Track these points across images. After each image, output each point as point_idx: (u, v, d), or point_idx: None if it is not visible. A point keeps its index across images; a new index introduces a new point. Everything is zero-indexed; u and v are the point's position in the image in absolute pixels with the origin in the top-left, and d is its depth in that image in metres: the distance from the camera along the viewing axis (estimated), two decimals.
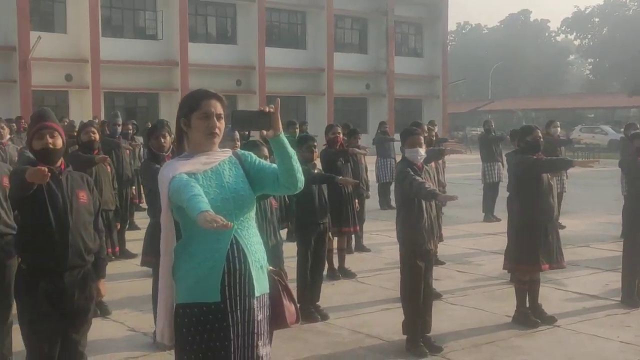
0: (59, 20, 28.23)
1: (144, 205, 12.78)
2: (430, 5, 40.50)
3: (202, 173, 3.20)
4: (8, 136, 9.30)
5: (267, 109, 3.13)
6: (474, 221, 13.52)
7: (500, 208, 11.56)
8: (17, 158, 8.44)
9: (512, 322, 6.79)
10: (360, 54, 38.11)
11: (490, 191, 13.86)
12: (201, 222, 2.82)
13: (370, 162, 13.37)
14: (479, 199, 14.30)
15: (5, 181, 5.30)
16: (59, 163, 4.23)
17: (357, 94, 37.89)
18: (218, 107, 3.26)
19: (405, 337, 6.06)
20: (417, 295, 6.00)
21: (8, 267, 5.23)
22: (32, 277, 4.11)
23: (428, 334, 6.10)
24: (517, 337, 6.39)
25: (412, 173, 5.82)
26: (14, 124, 14.26)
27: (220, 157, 3.29)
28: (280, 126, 3.17)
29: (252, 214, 3.32)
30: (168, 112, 29.22)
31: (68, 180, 4.23)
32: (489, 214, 13.67)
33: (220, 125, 3.27)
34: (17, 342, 5.41)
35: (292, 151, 3.21)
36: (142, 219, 11.66)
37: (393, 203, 13.71)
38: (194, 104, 3.25)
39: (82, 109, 27.40)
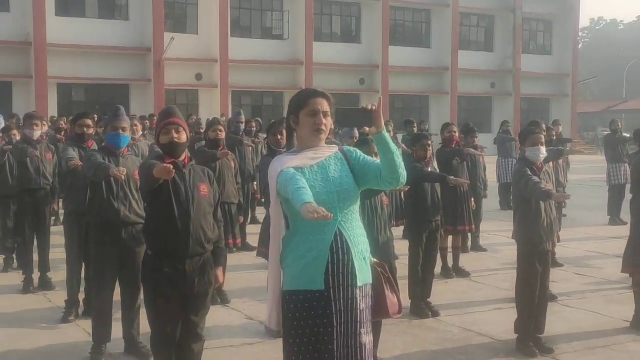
0: (191, 22, 29.49)
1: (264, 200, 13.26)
2: (561, 1, 39.21)
3: (309, 167, 3.38)
4: (141, 132, 9.91)
5: (369, 107, 3.28)
6: (598, 224, 13.09)
7: (627, 211, 11.15)
8: (148, 153, 8.99)
9: (630, 327, 6.61)
10: (485, 52, 37.46)
11: (615, 193, 13.39)
12: (304, 213, 3.00)
13: (491, 162, 13.23)
14: (604, 201, 13.83)
15: (137, 174, 5.73)
16: (183, 157, 4.56)
17: (481, 93, 37.28)
18: (325, 105, 3.43)
19: (516, 336, 6.04)
20: (532, 295, 5.96)
21: (138, 253, 5.65)
22: (157, 262, 4.45)
23: (540, 335, 6.05)
24: (634, 343, 6.21)
25: (529, 173, 5.81)
26: (147, 121, 15.07)
27: (327, 152, 3.47)
28: (383, 124, 3.31)
29: (356, 207, 3.47)
30: None
31: (191, 173, 4.55)
32: (614, 217, 13.20)
33: (327, 122, 3.44)
34: (145, 324, 5.85)
35: (394, 147, 3.34)
36: (262, 214, 12.09)
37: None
38: (301, 102, 3.45)
39: (211, 107, 28.50)
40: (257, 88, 30.71)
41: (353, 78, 33.09)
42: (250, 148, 11.04)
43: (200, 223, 4.45)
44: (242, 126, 11.38)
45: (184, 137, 4.54)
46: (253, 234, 10.47)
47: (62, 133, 12.55)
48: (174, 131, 4.50)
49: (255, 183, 11.13)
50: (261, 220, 11.49)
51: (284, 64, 31.09)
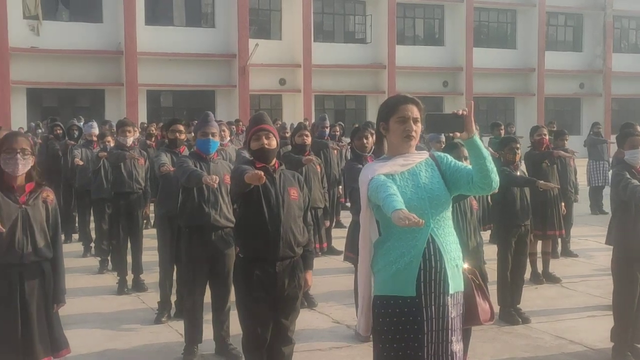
0: (274, 28, 29.87)
1: (349, 204, 13.29)
2: None
3: (400, 174, 3.38)
4: (228, 138, 10.10)
5: (460, 112, 3.26)
6: None
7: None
8: (235, 158, 9.16)
9: None
10: (573, 52, 36.42)
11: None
12: (395, 220, 3.00)
13: (581, 165, 12.86)
14: None
15: (227, 179, 5.86)
16: (273, 162, 4.64)
17: (569, 94, 36.27)
18: (414, 111, 3.43)
19: (612, 345, 5.86)
20: (630, 303, 5.75)
21: (228, 256, 5.78)
22: (248, 265, 4.54)
23: (638, 345, 5.85)
24: None
25: (628, 176, 5.62)
26: (234, 126, 15.35)
27: (417, 158, 3.46)
28: (474, 128, 3.28)
29: (448, 213, 3.44)
30: (375, 114, 29.62)
31: (281, 177, 4.62)
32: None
33: (417, 129, 3.43)
34: (235, 326, 5.96)
35: (486, 152, 3.30)
36: (347, 218, 12.12)
37: (605, 208, 13.18)
38: (391, 109, 3.46)
39: (294, 112, 28.78)
40: (339, 92, 30.81)
41: (436, 81, 32.78)
42: (335, 152, 11.10)
43: (290, 226, 4.51)
44: (327, 131, 11.46)
45: (274, 142, 4.62)
46: (337, 238, 10.53)
47: (153, 139, 12.93)
48: (264, 137, 4.58)
49: (340, 187, 11.18)
50: (345, 225, 11.56)
51: (367, 68, 31.08)
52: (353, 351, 6.05)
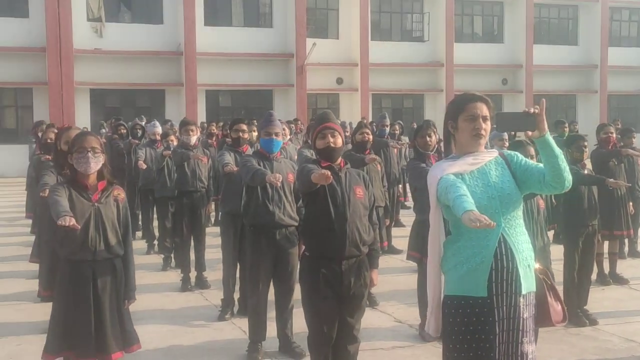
0: (332, 27, 29.90)
1: (408, 203, 13.21)
2: None
3: (469, 173, 3.34)
4: (288, 137, 10.15)
5: (531, 110, 3.20)
6: None
7: None
8: (296, 157, 9.21)
9: None
10: (638, 48, 35.45)
11: None
12: (465, 221, 2.97)
13: None
14: None
15: (291, 177, 5.90)
16: (338, 160, 4.65)
17: (634, 91, 35.32)
18: (484, 109, 3.39)
19: None
20: None
21: (292, 254, 5.82)
22: (314, 263, 4.55)
23: None
24: None
25: None
26: (293, 125, 15.42)
27: (487, 157, 3.41)
28: (546, 126, 3.22)
29: (519, 213, 3.39)
30: (432, 112, 29.60)
31: (347, 176, 4.62)
32: None
33: (486, 127, 3.39)
34: (298, 324, 5.99)
35: (558, 151, 3.24)
36: (405, 217, 12.06)
37: None
38: (460, 107, 3.42)
39: (351, 111, 28.76)
40: (397, 91, 30.67)
41: (495, 78, 32.33)
42: (395, 151, 11.05)
43: (356, 225, 4.51)
44: (387, 129, 11.41)
45: (339, 141, 4.62)
46: (396, 237, 10.48)
47: (214, 138, 13.08)
48: (329, 135, 4.59)
49: (399, 186, 11.12)
50: (404, 223, 11.50)
51: (424, 66, 30.86)
52: (417, 351, 6.01)
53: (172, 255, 9.41)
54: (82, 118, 24.54)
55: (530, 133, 3.23)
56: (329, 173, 4.22)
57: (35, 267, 8.63)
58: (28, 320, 7.06)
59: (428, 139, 6.44)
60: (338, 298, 4.53)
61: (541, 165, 3.34)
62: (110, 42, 25.55)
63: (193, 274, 8.45)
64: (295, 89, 28.02)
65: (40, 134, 11.66)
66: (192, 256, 8.48)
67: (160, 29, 26.61)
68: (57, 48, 24.57)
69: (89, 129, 20.70)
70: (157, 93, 27.24)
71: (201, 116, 25.52)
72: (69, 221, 3.93)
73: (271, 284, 5.96)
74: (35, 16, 24.72)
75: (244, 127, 7.21)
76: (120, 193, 4.48)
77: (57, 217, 3.99)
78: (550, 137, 3.24)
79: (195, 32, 26.21)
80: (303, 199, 4.72)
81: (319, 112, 27.79)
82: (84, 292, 4.28)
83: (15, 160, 22.68)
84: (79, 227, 4.10)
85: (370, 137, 7.87)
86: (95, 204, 4.33)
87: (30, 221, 12.00)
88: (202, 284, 8.35)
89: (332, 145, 4.58)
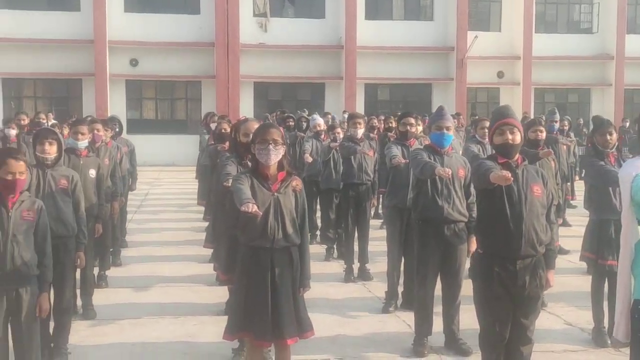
0: (494, 20, 29.16)
1: (574, 202, 12.68)
2: None
3: None
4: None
5: None
6: None
7: None
8: (460, 152, 9.08)
9: None
10: None
11: None
12: None
13: None
14: None
15: (461, 172, 5.84)
16: (516, 157, 4.54)
17: None
18: None
19: None
20: None
21: (460, 250, 5.78)
22: (488, 262, 4.48)
23: None
24: None
25: None
26: (455, 120, 15.20)
27: None
28: None
29: None
30: (600, 107, 28.19)
31: (524, 173, 4.51)
32: None
33: None
34: (463, 321, 5.94)
35: None
36: (571, 216, 11.59)
37: None
38: None
39: (512, 105, 27.64)
40: (561, 85, 29.44)
41: None
42: (564, 148, 10.64)
43: (532, 224, 4.40)
44: (556, 125, 11.00)
45: (518, 138, 4.52)
46: (562, 236, 10.08)
47: (375, 131, 13.17)
48: (508, 132, 4.50)
49: (567, 184, 10.69)
50: (571, 223, 11.06)
51: (592, 59, 29.39)
52: (590, 356, 5.78)
53: (335, 246, 9.58)
54: (246, 110, 25.44)
55: None
56: (510, 175, 4.13)
57: (207, 251, 9.12)
58: (203, 302, 7.45)
59: (609, 137, 6.14)
60: (512, 298, 4.44)
61: None
62: (274, 37, 26.32)
63: (356, 266, 8.56)
64: (454, 82, 27.61)
65: (211, 125, 12.25)
66: (356, 248, 8.59)
67: (322, 23, 27.09)
68: (225, 43, 25.65)
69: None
70: (317, 86, 27.77)
71: (359, 110, 25.72)
72: (252, 208, 4.10)
73: (438, 279, 5.94)
74: (206, 13, 25.92)
75: (412, 120, 7.21)
76: (298, 184, 4.63)
77: (241, 204, 4.17)
78: None
79: (356, 26, 26.45)
80: (477, 195, 4.66)
81: (478, 106, 27.05)
82: (262, 278, 4.46)
83: (185, 149, 23.92)
84: (261, 213, 4.27)
85: (544, 134, 7.62)
86: (275, 193, 4.49)
87: (201, 208, 12.71)
88: (365, 275, 8.44)
89: (510, 141, 4.48)
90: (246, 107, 25.92)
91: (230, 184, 5.07)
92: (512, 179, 4.16)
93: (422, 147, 6.39)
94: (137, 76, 25.94)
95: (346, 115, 18.77)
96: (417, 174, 5.80)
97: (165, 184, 19.42)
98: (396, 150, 6.96)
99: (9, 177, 4.37)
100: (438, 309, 6.06)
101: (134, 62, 25.75)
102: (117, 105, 24.97)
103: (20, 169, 4.41)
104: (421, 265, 5.89)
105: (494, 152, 4.65)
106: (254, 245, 4.47)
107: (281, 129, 4.70)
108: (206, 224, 11.77)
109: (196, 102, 26.82)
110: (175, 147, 25.25)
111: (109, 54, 24.96)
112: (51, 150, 5.57)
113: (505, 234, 4.38)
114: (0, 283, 4.37)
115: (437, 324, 6.02)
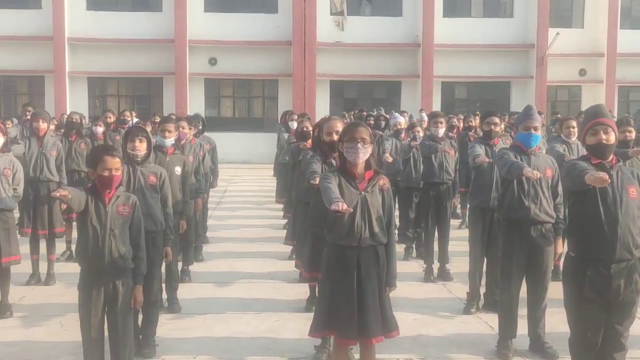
0: (576, 16, 28.39)
1: None
2: None
3: None
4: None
5: None
6: None
7: None
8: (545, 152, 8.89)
9: None
10: None
11: None
12: None
13: None
14: None
15: (549, 173, 5.73)
16: (610, 158, 4.41)
17: None
18: None
19: None
20: None
21: (547, 252, 5.69)
22: (580, 265, 4.37)
23: None
24: None
25: None
26: None
27: None
28: None
29: None
30: None
31: (618, 175, 4.38)
32: None
33: None
34: (549, 324, 5.82)
35: None
36: None
37: None
38: None
39: (594, 103, 27.09)
40: None
41: None
42: None
43: (628, 227, 4.27)
44: None
45: (612, 138, 4.40)
46: None
47: (454, 130, 13.04)
48: (602, 132, 4.38)
49: None
50: None
51: None
52: None
53: (414, 246, 9.53)
54: (322, 108, 25.55)
55: None
56: (607, 177, 4.02)
57: (286, 249, 9.22)
58: (283, 299, 7.53)
59: None
60: (605, 303, 4.32)
61: None
62: (351, 35, 26.33)
63: (435, 266, 8.50)
64: (534, 80, 27.03)
65: (289, 123, 12.35)
66: (436, 247, 8.52)
67: (399, 21, 26.94)
68: (302, 42, 25.81)
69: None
70: (393, 85, 27.64)
71: (436, 108, 25.44)
72: (342, 206, 4.12)
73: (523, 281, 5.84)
74: (284, 12, 26.13)
75: (497, 119, 7.11)
76: (385, 183, 4.62)
77: (330, 203, 4.19)
78: None
79: (434, 23, 26.21)
80: (569, 197, 4.55)
81: (558, 105, 26.34)
82: (348, 276, 4.47)
83: (261, 147, 24.21)
84: (351, 210, 4.28)
85: (633, 134, 7.39)
86: (362, 192, 4.49)
87: (279, 205, 12.85)
88: (445, 276, 8.36)
89: (604, 142, 4.37)
90: (322, 105, 26.02)
91: (317, 182, 5.11)
92: (609, 180, 4.05)
93: (508, 146, 6.28)
94: (215, 75, 26.37)
95: (423, 114, 18.72)
96: (504, 174, 5.71)
97: (243, 182, 19.70)
98: (480, 150, 6.87)
99: (106, 174, 4.51)
100: (522, 311, 5.96)
101: (212, 61, 26.19)
102: (195, 104, 25.45)
103: (116, 165, 4.55)
104: (506, 266, 5.80)
105: (586, 152, 4.54)
106: (340, 243, 4.49)
107: (369, 128, 4.69)
108: (284, 221, 11.96)
109: (273, 100, 27.07)
110: (252, 144, 25.56)
111: (188, 53, 25.46)
112: (141, 148, 5.72)
113: (600, 237, 4.26)
114: (99, 275, 4.52)
115: (522, 327, 5.92)
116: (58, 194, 4.26)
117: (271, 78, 26.71)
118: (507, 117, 15.64)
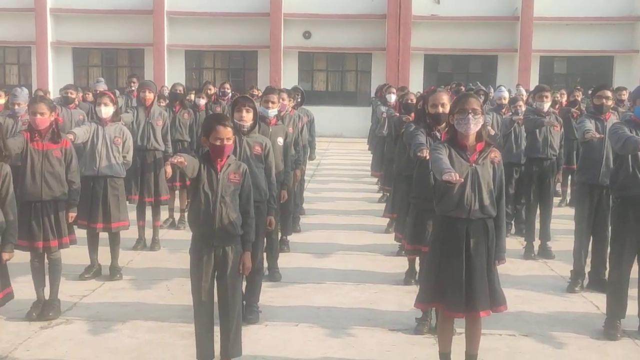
0: None
1: None
2: None
3: None
4: None
5: None
6: None
7: None
8: None
9: None
10: None
11: None
12: None
13: None
14: None
15: None
16: None
17: None
18: None
19: None
20: None
21: None
22: None
23: None
24: None
25: None
26: None
27: None
28: None
29: None
30: None
31: None
32: None
33: None
34: None
35: None
36: None
37: None
38: None
39: None
40: None
41: None
42: None
43: None
44: None
45: None
46: None
47: (557, 105, 12.65)
48: None
49: None
50: None
51: None
52: None
53: (512, 222, 9.34)
54: (416, 83, 25.25)
55: None
56: None
57: (382, 221, 9.23)
58: (381, 271, 7.56)
59: None
60: None
61: None
62: (447, 9, 25.83)
63: (536, 243, 8.32)
64: None
65: (386, 97, 12.28)
66: (537, 224, 8.34)
67: None
68: (397, 15, 25.53)
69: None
70: (489, 59, 27.02)
71: (534, 83, 24.73)
72: (455, 176, 4.07)
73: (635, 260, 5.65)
74: None
75: (609, 93, 6.85)
76: (497, 155, 4.53)
77: (441, 174, 4.15)
78: None
79: None
80: None
81: None
82: (457, 248, 4.43)
83: (354, 121, 24.22)
84: (462, 180, 4.23)
85: None
86: (473, 164, 4.43)
87: (374, 179, 12.89)
88: (546, 253, 8.19)
89: None
90: (416, 79, 25.73)
91: (424, 154, 5.08)
92: None
93: (622, 121, 6.05)
94: (309, 48, 26.44)
95: (521, 89, 18.25)
96: (618, 150, 5.51)
97: (335, 155, 19.77)
98: (589, 124, 6.65)
99: (218, 143, 4.60)
100: (632, 292, 5.78)
101: (307, 35, 26.27)
102: (289, 77, 25.60)
103: (227, 134, 4.63)
104: (617, 244, 5.62)
105: None
106: (449, 215, 4.44)
107: (480, 100, 4.60)
108: (379, 195, 11.97)
109: (366, 74, 26.96)
110: (344, 118, 25.58)
111: (283, 26, 25.62)
112: (247, 118, 5.80)
113: None
114: (210, 241, 4.63)
115: (631, 308, 5.74)
116: (175, 160, 4.37)
117: (365, 52, 26.58)
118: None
